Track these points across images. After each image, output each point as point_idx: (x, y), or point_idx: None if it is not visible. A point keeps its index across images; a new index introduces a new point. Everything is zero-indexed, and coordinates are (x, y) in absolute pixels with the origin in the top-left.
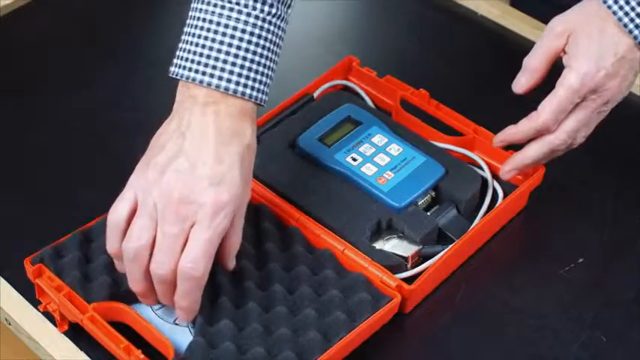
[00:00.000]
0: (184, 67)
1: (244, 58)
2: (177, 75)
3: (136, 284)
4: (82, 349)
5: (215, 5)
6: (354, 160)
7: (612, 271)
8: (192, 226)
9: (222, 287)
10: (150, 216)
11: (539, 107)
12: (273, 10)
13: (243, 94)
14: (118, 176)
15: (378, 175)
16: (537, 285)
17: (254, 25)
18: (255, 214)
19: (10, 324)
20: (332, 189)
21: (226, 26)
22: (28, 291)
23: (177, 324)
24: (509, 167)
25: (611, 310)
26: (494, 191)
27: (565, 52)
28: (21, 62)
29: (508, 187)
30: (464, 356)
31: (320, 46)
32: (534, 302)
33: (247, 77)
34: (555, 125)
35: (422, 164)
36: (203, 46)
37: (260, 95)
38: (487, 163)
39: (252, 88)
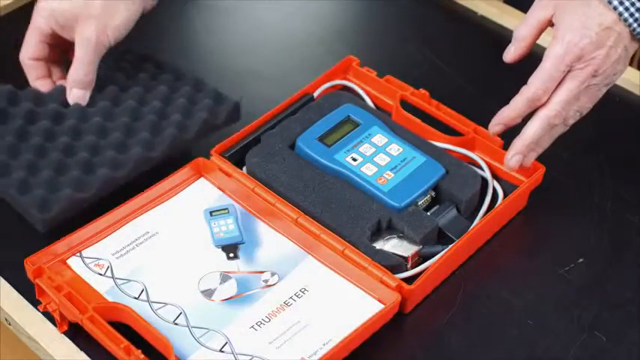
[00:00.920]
0: None
1: None
2: None
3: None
4: (82, 349)
5: None
6: (354, 160)
7: (612, 271)
8: None
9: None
10: None
11: (529, 80)
12: None
13: None
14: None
15: (378, 175)
16: (537, 285)
17: None
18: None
19: (10, 324)
20: (332, 189)
21: None
22: (28, 291)
23: (177, 324)
24: (512, 153)
25: (611, 310)
26: (494, 191)
27: (553, 25)
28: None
29: (508, 187)
30: (464, 356)
31: (320, 46)
32: (534, 302)
33: None
34: (546, 96)
35: (422, 164)
36: None
37: None
38: (487, 163)
39: None
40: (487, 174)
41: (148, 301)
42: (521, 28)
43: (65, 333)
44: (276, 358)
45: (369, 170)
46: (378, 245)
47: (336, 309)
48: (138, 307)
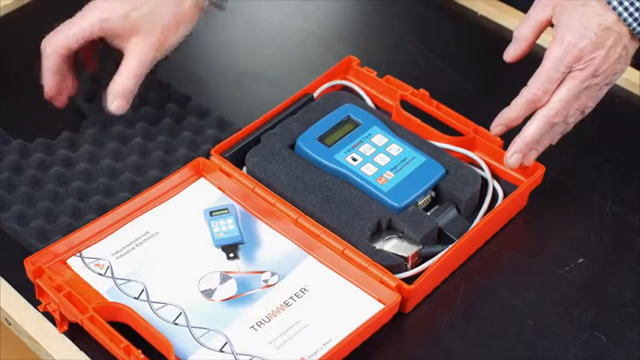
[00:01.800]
0: None
1: None
2: None
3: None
4: (82, 349)
5: None
6: (354, 160)
7: (612, 271)
8: None
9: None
10: None
11: (529, 81)
12: None
13: None
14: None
15: (378, 175)
16: (537, 285)
17: None
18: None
19: (10, 324)
20: (332, 189)
21: None
22: (28, 291)
23: (177, 324)
24: (512, 151)
25: (611, 310)
26: (494, 191)
27: (553, 25)
28: (21, 62)
29: (508, 187)
30: (464, 356)
31: (320, 46)
32: (534, 302)
33: None
34: (546, 96)
35: (422, 164)
36: None
37: None
38: (487, 163)
39: None
40: (487, 174)
41: (147, 301)
42: (521, 28)
43: (65, 333)
44: (276, 358)
45: (369, 170)
46: (378, 245)
47: (336, 309)
48: (138, 307)
